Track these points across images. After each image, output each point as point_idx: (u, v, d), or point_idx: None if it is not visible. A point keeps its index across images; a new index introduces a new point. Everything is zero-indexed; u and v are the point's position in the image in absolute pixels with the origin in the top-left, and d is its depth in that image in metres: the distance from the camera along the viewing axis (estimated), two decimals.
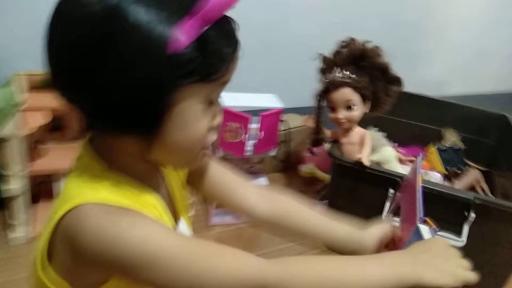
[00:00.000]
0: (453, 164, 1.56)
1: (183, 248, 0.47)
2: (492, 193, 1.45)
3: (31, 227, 1.15)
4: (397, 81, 1.12)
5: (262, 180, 1.29)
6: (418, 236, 0.62)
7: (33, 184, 1.15)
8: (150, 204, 0.53)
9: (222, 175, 0.67)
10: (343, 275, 0.49)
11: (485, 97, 2.28)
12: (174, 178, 0.63)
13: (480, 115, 1.59)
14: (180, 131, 0.47)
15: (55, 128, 1.27)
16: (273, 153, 1.26)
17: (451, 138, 1.61)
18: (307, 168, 1.56)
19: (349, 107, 1.12)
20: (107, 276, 0.50)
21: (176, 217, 0.62)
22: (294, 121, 1.63)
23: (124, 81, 0.42)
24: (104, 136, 0.50)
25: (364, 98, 1.13)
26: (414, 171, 0.82)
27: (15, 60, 1.20)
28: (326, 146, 1.28)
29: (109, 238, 0.44)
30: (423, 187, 0.69)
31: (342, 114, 1.13)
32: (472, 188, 1.49)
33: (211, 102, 0.49)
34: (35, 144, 1.22)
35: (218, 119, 0.52)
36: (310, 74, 1.16)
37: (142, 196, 0.51)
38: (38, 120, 1.12)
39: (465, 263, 0.54)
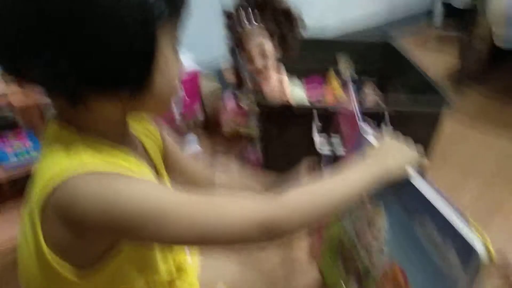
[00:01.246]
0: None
1: (183, 199, 0.47)
2: None
3: None
4: (300, 21, 1.20)
5: (195, 146, 1.30)
6: (365, 141, 0.70)
7: None
8: (133, 163, 0.52)
9: (180, 159, 0.71)
10: (332, 190, 0.54)
11: (359, 33, 2.52)
12: (150, 145, 0.63)
13: (368, 45, 1.77)
14: (164, 74, 0.48)
15: None
16: (200, 115, 1.27)
17: (345, 66, 1.76)
18: (228, 128, 1.60)
19: (263, 55, 1.18)
20: (112, 246, 0.49)
21: (158, 177, 0.62)
22: (203, 86, 1.64)
23: (112, 34, 0.41)
24: (74, 108, 0.47)
25: (275, 44, 1.19)
26: (348, 95, 0.91)
27: None
28: (242, 101, 1.33)
29: (109, 201, 0.43)
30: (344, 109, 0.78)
31: (258, 63, 1.18)
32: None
33: (175, 43, 0.50)
34: None
35: (181, 62, 0.53)
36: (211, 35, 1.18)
37: (124, 156, 0.51)
38: None
39: (415, 148, 0.64)
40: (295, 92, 1.39)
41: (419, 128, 1.19)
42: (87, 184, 0.44)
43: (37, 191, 0.45)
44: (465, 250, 0.46)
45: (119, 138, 0.53)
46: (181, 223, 0.45)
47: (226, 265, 0.83)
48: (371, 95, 1.69)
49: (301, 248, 1.11)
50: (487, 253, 0.45)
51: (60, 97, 0.47)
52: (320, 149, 1.13)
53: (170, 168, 0.68)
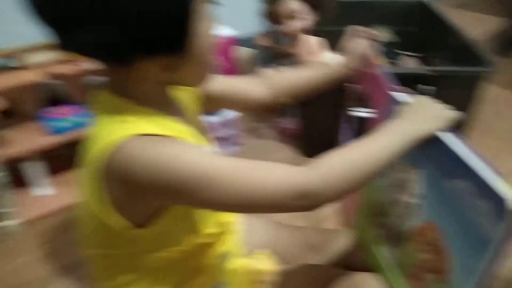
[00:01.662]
0: (389, 57, 1.70)
1: (231, 166, 0.49)
2: None
3: (20, 213, 1.12)
4: None
5: (230, 113, 1.33)
6: (397, 103, 0.70)
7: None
8: (181, 130, 0.55)
9: (224, 83, 0.72)
10: (367, 157, 0.54)
11: None
12: (190, 107, 0.66)
13: (402, 6, 1.73)
14: (201, 35, 0.49)
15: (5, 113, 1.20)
16: None
17: (382, 34, 1.74)
18: None
19: (297, 17, 1.18)
20: (162, 206, 0.52)
21: (203, 138, 0.64)
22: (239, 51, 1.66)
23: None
24: (120, 73, 0.51)
25: (308, 6, 1.18)
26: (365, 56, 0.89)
27: None
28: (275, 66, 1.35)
29: (161, 165, 0.46)
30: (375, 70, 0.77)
31: (292, 25, 1.18)
32: None
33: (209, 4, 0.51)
34: None
35: (215, 24, 0.54)
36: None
37: (172, 124, 0.54)
38: None
39: (446, 106, 0.62)
40: (330, 56, 1.39)
41: (459, 91, 1.17)
42: (142, 149, 0.47)
43: (95, 154, 0.49)
44: (497, 203, 0.46)
45: (166, 106, 0.56)
46: (223, 188, 0.48)
47: (266, 227, 0.86)
48: (409, 58, 1.66)
49: (337, 208, 1.13)
50: None
51: (109, 63, 0.50)
52: (352, 111, 1.13)
53: (233, 102, 0.74)
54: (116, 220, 0.51)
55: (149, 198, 0.50)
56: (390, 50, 1.70)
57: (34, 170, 1.17)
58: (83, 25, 0.45)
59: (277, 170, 0.51)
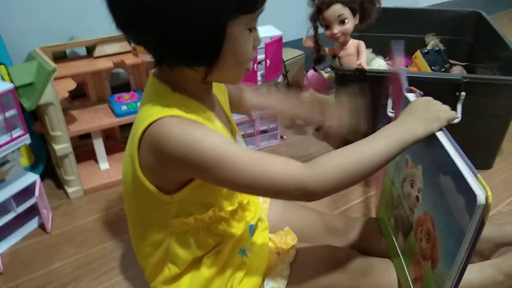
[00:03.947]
0: (437, 64, 1.70)
1: (245, 154, 0.58)
2: None
3: (83, 181, 1.28)
4: None
5: None
6: (407, 103, 0.75)
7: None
8: (210, 119, 0.64)
9: (236, 90, 0.84)
10: (359, 157, 0.59)
11: (454, 3, 2.40)
12: (224, 102, 0.75)
13: (456, 15, 1.73)
14: (234, 54, 0.58)
15: (74, 96, 1.36)
16: (280, 79, 1.39)
17: (432, 42, 1.75)
18: (308, 94, 1.69)
19: (342, 22, 1.25)
20: (185, 178, 0.62)
21: (232, 133, 0.75)
22: (286, 54, 1.74)
23: (189, 26, 0.52)
24: (169, 68, 0.61)
25: (353, 11, 1.25)
26: (394, 57, 0.95)
27: (30, 37, 1.29)
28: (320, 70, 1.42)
29: (188, 144, 0.56)
30: (416, 77, 0.82)
31: (336, 29, 1.25)
32: None
33: (252, 28, 0.60)
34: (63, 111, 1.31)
35: (258, 40, 0.63)
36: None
37: (203, 113, 0.63)
38: (65, 87, 1.21)
39: (445, 107, 0.66)
40: (376, 61, 1.44)
41: (501, 101, 1.18)
42: (173, 127, 0.57)
43: (136, 127, 0.60)
44: (470, 198, 0.52)
45: (202, 98, 0.65)
46: (238, 172, 0.57)
47: (291, 208, 0.93)
48: (457, 66, 1.66)
49: (361, 199, 1.19)
50: (487, 202, 0.51)
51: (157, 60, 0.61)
52: (390, 112, 1.18)
53: (237, 105, 0.84)
54: (146, 186, 0.61)
55: (174, 170, 0.60)
56: (440, 57, 1.71)
57: (96, 146, 1.32)
58: (137, 30, 0.57)
59: (285, 164, 0.59)
